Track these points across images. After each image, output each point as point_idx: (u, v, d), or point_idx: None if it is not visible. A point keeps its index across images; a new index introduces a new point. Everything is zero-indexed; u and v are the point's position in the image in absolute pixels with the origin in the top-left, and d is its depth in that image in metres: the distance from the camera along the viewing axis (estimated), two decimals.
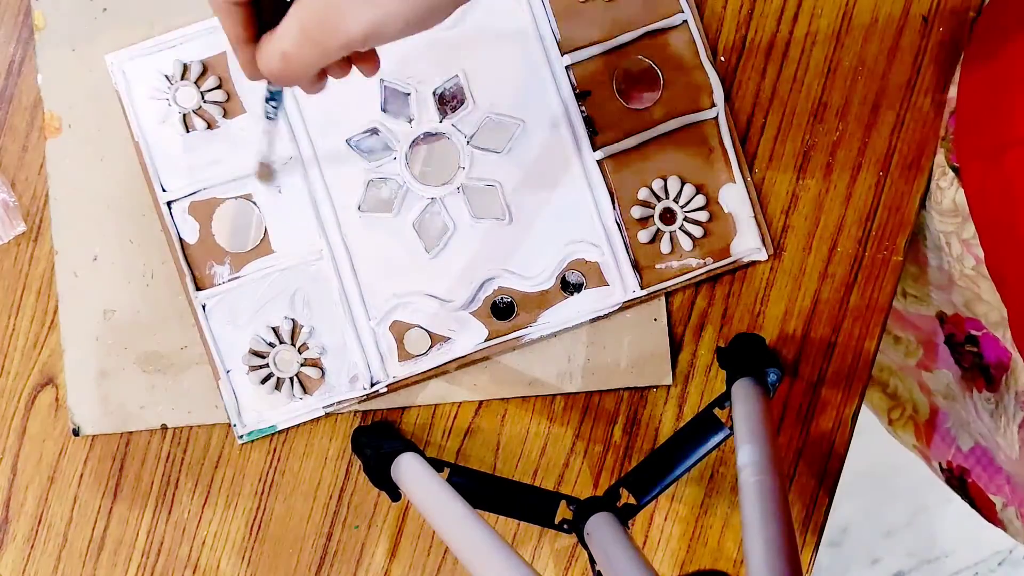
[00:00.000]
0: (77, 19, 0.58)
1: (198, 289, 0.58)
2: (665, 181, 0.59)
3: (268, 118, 0.47)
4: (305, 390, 0.59)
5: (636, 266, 0.59)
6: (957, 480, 0.70)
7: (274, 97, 0.46)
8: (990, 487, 0.66)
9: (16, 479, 0.60)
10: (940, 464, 0.71)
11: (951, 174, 0.57)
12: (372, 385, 0.59)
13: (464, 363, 0.59)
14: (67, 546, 0.61)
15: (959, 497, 0.72)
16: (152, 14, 0.58)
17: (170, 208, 0.58)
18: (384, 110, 0.58)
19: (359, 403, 0.60)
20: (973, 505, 0.69)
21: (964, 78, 0.56)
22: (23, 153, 0.59)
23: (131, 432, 0.60)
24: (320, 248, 0.58)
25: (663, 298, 0.60)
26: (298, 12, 0.38)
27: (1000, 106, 0.51)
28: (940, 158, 0.58)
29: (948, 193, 0.57)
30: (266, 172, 0.55)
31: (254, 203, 0.58)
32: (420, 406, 0.60)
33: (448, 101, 0.58)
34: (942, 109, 0.59)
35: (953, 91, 0.59)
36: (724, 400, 0.56)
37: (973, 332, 0.61)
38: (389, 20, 0.37)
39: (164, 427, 0.60)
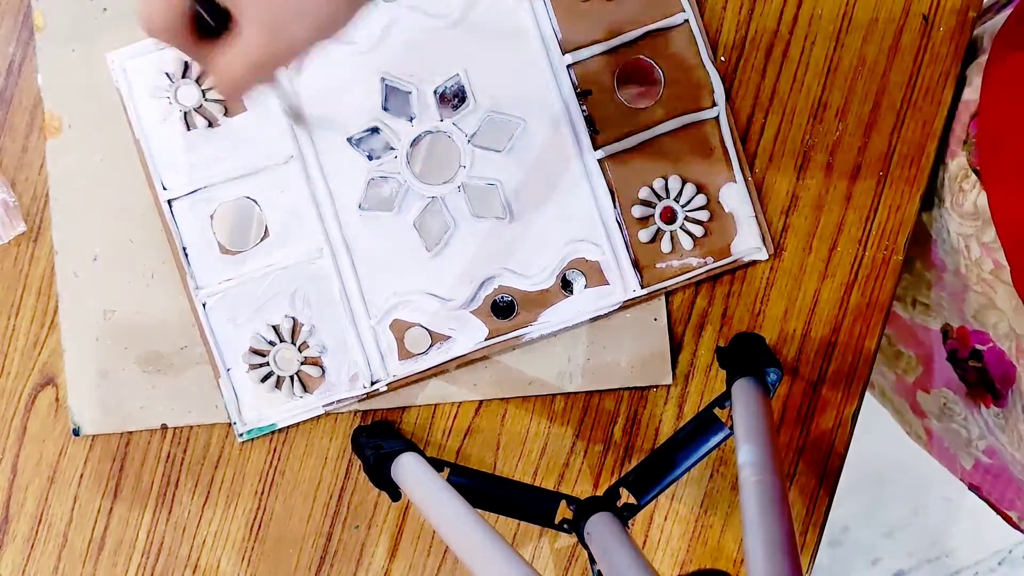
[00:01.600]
0: (77, 19, 0.58)
1: (198, 287, 0.58)
2: (666, 180, 0.59)
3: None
4: (305, 388, 0.59)
5: (636, 265, 0.59)
6: (975, 491, 0.70)
7: None
8: (1003, 502, 0.66)
9: (16, 479, 0.60)
10: (959, 477, 0.71)
11: (973, 177, 0.56)
12: (372, 384, 0.59)
13: (464, 362, 0.59)
14: (67, 546, 0.61)
15: (957, 498, 0.72)
16: None
17: (171, 207, 0.58)
18: (385, 108, 0.58)
19: (359, 402, 0.60)
20: (997, 512, 0.69)
21: (986, 95, 0.56)
22: (23, 153, 0.59)
23: (131, 432, 0.60)
24: (320, 246, 0.58)
25: (663, 297, 0.60)
26: (256, 16, 0.39)
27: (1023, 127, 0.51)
28: (962, 159, 0.58)
29: (970, 196, 0.57)
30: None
31: (255, 202, 0.58)
32: (420, 406, 0.60)
33: (449, 100, 0.58)
34: (941, 108, 0.59)
35: (968, 93, 0.58)
36: (724, 400, 0.56)
37: (978, 346, 0.61)
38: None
39: (164, 427, 0.60)
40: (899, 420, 0.78)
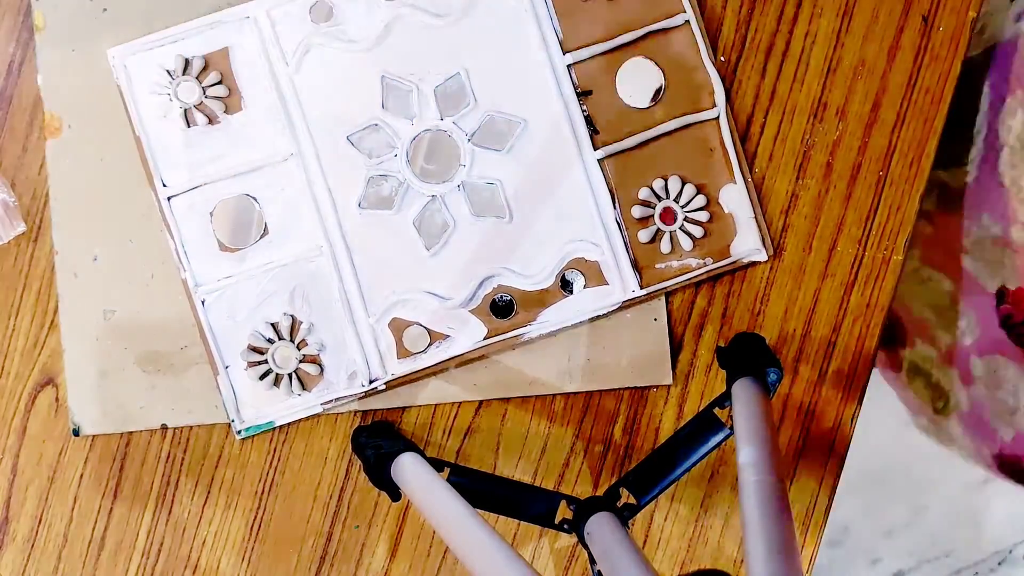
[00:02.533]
0: (77, 19, 0.58)
1: (197, 284, 0.58)
2: (666, 181, 0.59)
3: None
4: (304, 386, 0.59)
5: (636, 265, 0.59)
6: (1010, 467, 0.69)
7: None
8: None
9: (16, 479, 0.60)
10: (990, 453, 0.70)
11: None
12: (371, 382, 0.59)
13: (463, 361, 0.59)
14: (67, 546, 0.61)
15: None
16: (152, 14, 0.58)
17: (170, 203, 0.58)
18: (385, 107, 0.58)
19: (358, 400, 0.60)
20: None
21: None
22: (23, 153, 0.59)
23: (131, 432, 0.60)
24: (320, 244, 0.58)
25: (663, 297, 0.60)
26: None
27: None
28: None
29: None
30: None
31: (255, 199, 0.59)
32: (420, 406, 0.60)
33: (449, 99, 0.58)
34: (942, 108, 0.59)
35: None
36: (724, 400, 0.56)
37: None
38: None
39: (164, 427, 0.60)
40: (916, 404, 0.77)
